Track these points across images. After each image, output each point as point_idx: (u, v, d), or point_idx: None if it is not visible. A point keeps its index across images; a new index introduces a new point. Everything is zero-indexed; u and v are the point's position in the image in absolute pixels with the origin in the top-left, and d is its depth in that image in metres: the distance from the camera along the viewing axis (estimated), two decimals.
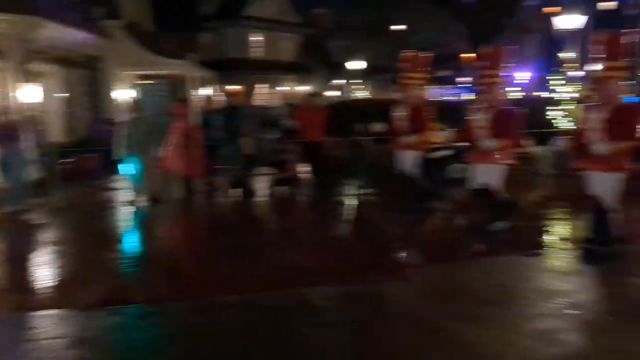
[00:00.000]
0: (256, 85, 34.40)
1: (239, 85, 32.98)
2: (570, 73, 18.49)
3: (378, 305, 4.60)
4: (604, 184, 5.49)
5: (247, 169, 10.17)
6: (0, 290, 5.37)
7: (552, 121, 11.08)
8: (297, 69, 36.95)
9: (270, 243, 7.08)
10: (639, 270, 5.33)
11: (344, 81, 38.89)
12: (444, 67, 35.28)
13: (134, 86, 19.88)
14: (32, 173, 9.11)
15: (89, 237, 7.46)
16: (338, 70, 37.09)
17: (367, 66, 34.49)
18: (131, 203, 9.20)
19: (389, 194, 8.64)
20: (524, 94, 27.92)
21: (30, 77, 12.59)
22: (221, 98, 11.47)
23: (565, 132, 11.14)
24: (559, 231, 7.30)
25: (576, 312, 4.33)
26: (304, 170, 10.72)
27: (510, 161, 6.59)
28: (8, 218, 8.31)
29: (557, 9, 23.71)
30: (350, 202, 9.41)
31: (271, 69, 34.75)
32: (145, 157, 9.12)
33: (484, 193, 6.55)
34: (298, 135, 10.57)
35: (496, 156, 6.46)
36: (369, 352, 3.83)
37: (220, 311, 4.59)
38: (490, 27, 16.91)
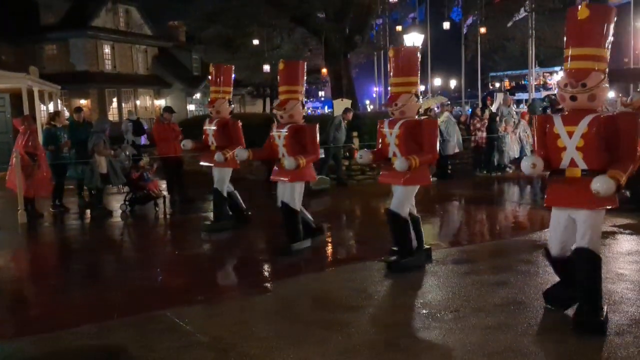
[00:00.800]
0: (112, 99, 32.72)
1: (88, 99, 31.17)
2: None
3: (244, 320, 4.54)
4: (399, 194, 5.65)
5: (101, 187, 9.61)
6: None
7: None
8: (153, 83, 35.72)
9: (126, 265, 6.73)
10: (477, 269, 5.80)
11: (202, 95, 38.35)
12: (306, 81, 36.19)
13: None
14: None
15: None
16: (197, 84, 36.45)
17: None
18: None
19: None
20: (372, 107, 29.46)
21: None
22: (68, 113, 10.76)
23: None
24: None
25: (427, 311, 4.61)
26: (161, 187, 10.36)
27: (309, 179, 6.63)
28: None
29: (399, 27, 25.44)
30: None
31: (124, 82, 33.24)
32: None
33: (286, 211, 6.46)
34: (155, 151, 10.23)
35: (293, 174, 6.28)
36: None
37: (71, 342, 4.25)
38: (342, 44, 17.59)
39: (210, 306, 4.96)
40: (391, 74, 5.75)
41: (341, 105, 14.46)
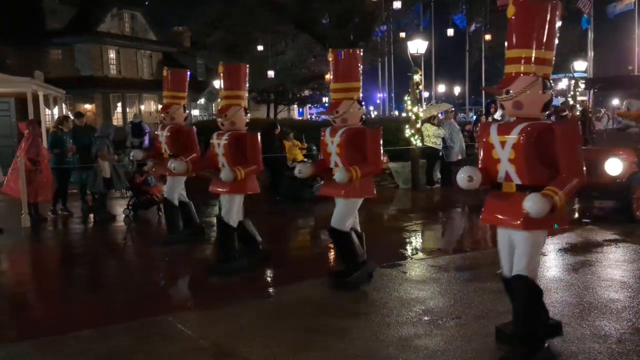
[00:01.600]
0: (117, 104, 32.82)
1: (93, 104, 31.30)
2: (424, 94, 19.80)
3: (245, 325, 4.54)
4: (339, 207, 5.31)
5: (104, 192, 9.63)
6: None
7: (411, 138, 11.85)
8: (157, 88, 35.74)
9: (128, 270, 6.74)
10: (480, 276, 5.78)
11: (206, 100, 38.49)
12: (309, 87, 36.29)
13: None
14: None
15: None
16: (202, 89, 36.57)
17: None
18: None
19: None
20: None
21: None
22: (72, 118, 10.79)
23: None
24: (414, 242, 7.74)
25: (430, 318, 4.59)
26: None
27: (251, 192, 6.01)
28: None
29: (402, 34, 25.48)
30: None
31: (129, 87, 33.35)
32: None
33: (221, 226, 6.02)
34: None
35: (232, 186, 5.81)
36: None
37: (72, 346, 4.24)
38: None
39: (212, 311, 4.94)
40: (332, 79, 5.41)
41: None
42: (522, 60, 3.52)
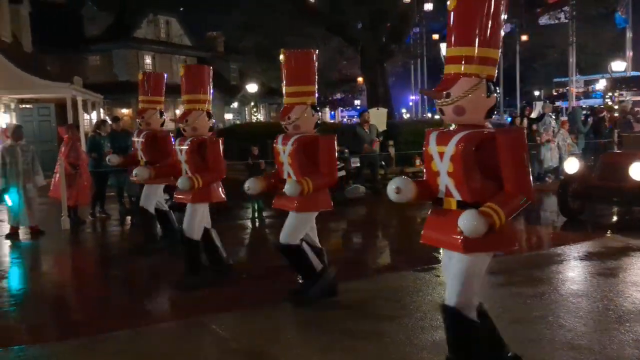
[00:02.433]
0: None
1: (130, 108, 31.92)
2: None
3: (276, 327, 4.58)
4: (290, 220, 4.93)
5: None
6: None
7: None
8: None
9: (165, 271, 6.85)
10: (514, 281, 5.69)
11: (239, 104, 38.86)
12: (340, 90, 36.35)
13: (10, 110, 18.64)
14: None
15: None
16: (235, 93, 36.96)
17: (263, 89, 34.71)
18: (11, 236, 8.56)
19: None
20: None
21: None
22: (110, 122, 11.05)
23: None
24: None
25: None
26: None
27: (215, 200, 5.73)
28: None
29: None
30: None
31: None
32: (25, 187, 8.56)
33: (183, 238, 5.79)
34: None
35: (194, 194, 5.54)
36: None
37: (109, 346, 4.35)
38: (378, 53, 17.60)
39: (244, 313, 4.98)
40: (284, 82, 4.96)
41: (377, 114, 14.43)
42: (463, 60, 3.06)
